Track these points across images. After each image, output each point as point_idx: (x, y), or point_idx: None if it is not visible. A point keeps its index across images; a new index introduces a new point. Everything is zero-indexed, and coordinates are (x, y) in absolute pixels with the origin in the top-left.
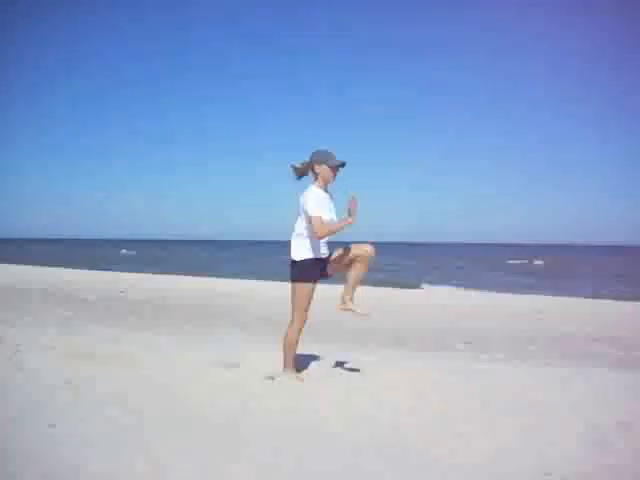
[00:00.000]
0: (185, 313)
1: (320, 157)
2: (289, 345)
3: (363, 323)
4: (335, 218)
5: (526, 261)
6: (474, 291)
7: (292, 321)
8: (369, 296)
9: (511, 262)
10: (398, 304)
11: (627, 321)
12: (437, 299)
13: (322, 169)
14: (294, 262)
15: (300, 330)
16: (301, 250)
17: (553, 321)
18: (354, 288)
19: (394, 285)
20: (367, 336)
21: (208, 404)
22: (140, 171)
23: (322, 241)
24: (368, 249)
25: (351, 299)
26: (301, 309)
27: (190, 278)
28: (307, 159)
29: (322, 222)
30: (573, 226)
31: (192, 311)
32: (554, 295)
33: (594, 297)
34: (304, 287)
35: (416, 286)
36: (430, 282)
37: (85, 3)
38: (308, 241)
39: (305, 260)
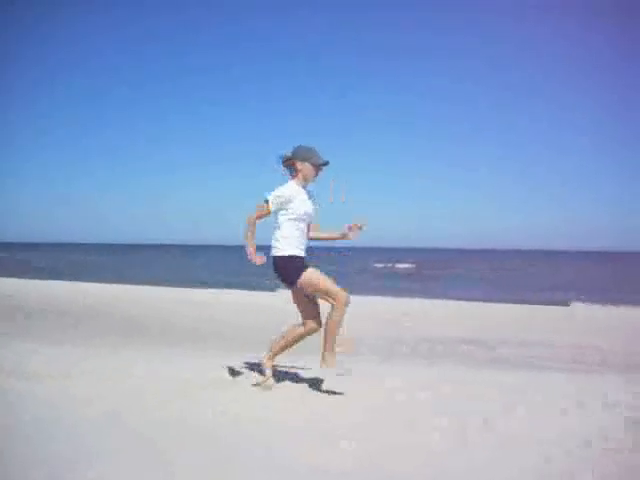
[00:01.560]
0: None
1: (304, 154)
2: (334, 326)
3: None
4: (311, 212)
5: (390, 264)
6: None
7: (333, 306)
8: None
9: (377, 265)
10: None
11: (492, 322)
12: None
13: (304, 167)
14: (278, 258)
15: (345, 309)
16: (283, 244)
17: (421, 323)
18: (334, 343)
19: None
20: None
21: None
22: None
23: (304, 240)
24: (344, 294)
25: (333, 355)
26: (330, 288)
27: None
28: (289, 153)
29: (262, 210)
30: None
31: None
32: (424, 298)
33: (460, 299)
34: (309, 275)
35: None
36: None
37: (85, 3)
38: (291, 238)
39: (290, 255)
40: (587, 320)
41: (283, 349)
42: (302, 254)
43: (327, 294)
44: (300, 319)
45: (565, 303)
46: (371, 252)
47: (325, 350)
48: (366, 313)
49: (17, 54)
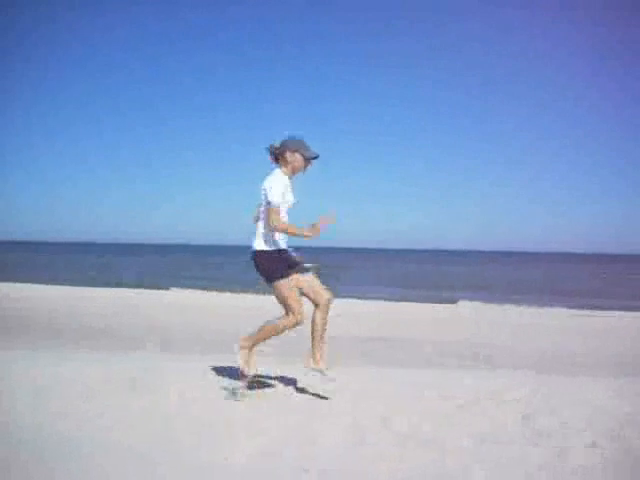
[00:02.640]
0: None
1: (295, 145)
2: (271, 330)
3: None
4: (289, 206)
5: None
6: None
7: (285, 315)
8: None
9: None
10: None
11: (389, 320)
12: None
13: (295, 158)
14: (260, 252)
15: (296, 326)
16: (267, 238)
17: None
18: (321, 343)
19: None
20: None
21: None
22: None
23: (283, 235)
24: (329, 296)
25: (321, 357)
26: (294, 304)
27: None
28: (277, 143)
29: (278, 214)
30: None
31: None
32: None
33: (364, 299)
34: (285, 284)
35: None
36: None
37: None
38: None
39: (272, 250)
40: (474, 317)
41: (261, 341)
42: (285, 247)
43: (288, 309)
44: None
45: (453, 301)
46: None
47: (314, 350)
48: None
49: (17, 54)
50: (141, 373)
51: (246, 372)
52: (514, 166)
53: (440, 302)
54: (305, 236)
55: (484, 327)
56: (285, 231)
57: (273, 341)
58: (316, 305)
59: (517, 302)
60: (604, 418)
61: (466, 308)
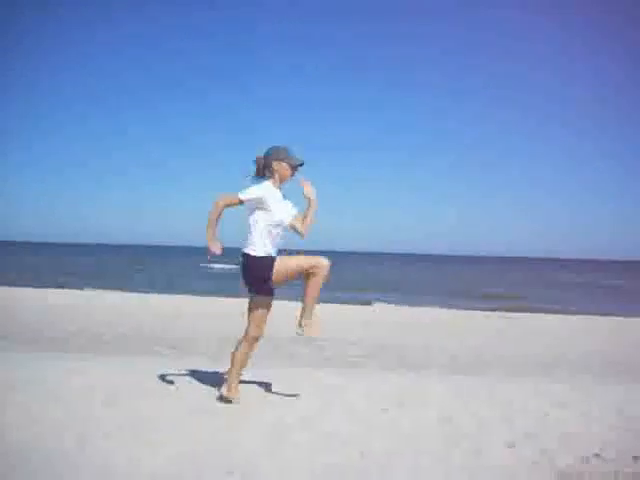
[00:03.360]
0: None
1: (280, 154)
2: (241, 359)
3: None
4: (294, 213)
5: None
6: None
7: (246, 332)
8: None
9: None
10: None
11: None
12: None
13: (281, 167)
14: (250, 257)
15: (256, 342)
16: (257, 245)
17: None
18: (312, 307)
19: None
20: None
21: None
22: None
23: (278, 240)
24: (325, 262)
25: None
26: (260, 320)
27: None
28: (261, 154)
29: (230, 199)
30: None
31: None
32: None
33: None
34: (265, 301)
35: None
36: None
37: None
38: (265, 238)
39: (263, 257)
40: (391, 319)
41: (239, 371)
42: (274, 254)
43: (251, 324)
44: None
45: (368, 302)
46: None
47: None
48: (204, 312)
49: (17, 53)
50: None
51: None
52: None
53: (356, 304)
54: (208, 240)
55: (400, 328)
56: (211, 209)
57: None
58: (312, 268)
59: (432, 303)
60: (522, 418)
61: (381, 309)
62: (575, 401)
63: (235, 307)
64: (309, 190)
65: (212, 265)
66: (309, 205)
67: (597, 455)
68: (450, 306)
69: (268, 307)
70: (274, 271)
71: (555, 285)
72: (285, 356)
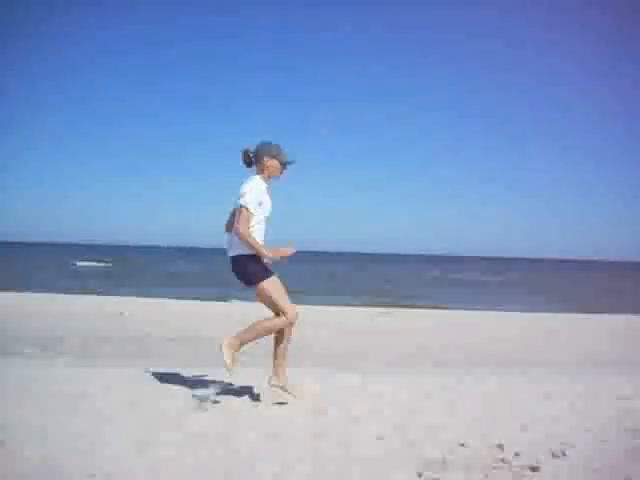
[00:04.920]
0: None
1: (271, 150)
2: (263, 328)
3: None
4: (268, 214)
5: (94, 262)
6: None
7: (277, 315)
8: None
9: (81, 264)
10: None
11: (181, 318)
12: None
13: (272, 163)
14: (240, 257)
15: (289, 325)
16: (242, 245)
17: (135, 321)
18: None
19: None
20: None
21: None
22: None
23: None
24: (293, 313)
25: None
26: (281, 303)
27: None
28: (251, 149)
29: (249, 219)
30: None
31: None
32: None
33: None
34: (269, 283)
35: None
36: None
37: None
38: (254, 233)
39: (251, 255)
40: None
41: (251, 340)
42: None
43: (277, 308)
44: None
45: (225, 299)
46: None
47: (277, 367)
48: (80, 312)
49: (18, 53)
50: None
51: (229, 370)
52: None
53: (214, 299)
54: (262, 254)
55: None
56: (246, 240)
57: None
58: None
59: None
60: (391, 410)
61: (238, 306)
62: (442, 393)
63: (98, 306)
64: (279, 252)
65: (78, 263)
66: (267, 251)
67: (462, 445)
68: (330, 302)
69: (277, 286)
70: (266, 287)
71: (456, 284)
72: (164, 353)
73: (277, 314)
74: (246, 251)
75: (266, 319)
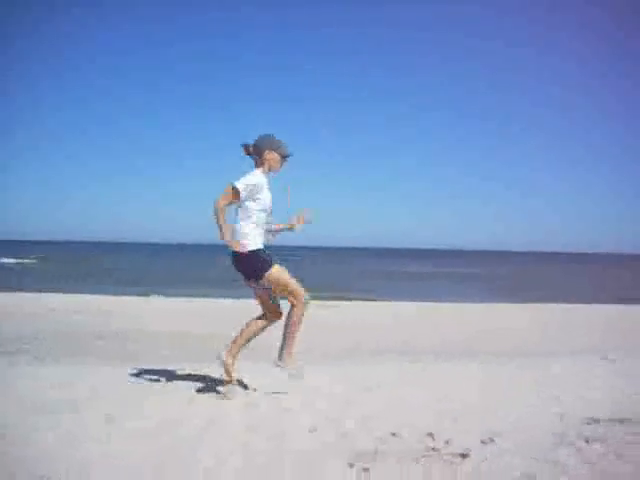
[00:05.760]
0: None
1: (272, 143)
2: (296, 326)
3: None
4: (268, 209)
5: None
6: None
7: (292, 305)
8: None
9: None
10: None
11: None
12: None
13: (273, 156)
14: (249, 253)
15: (306, 308)
16: (250, 237)
17: (64, 317)
18: (293, 343)
19: None
20: None
21: None
22: None
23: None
24: (303, 293)
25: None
26: (292, 286)
27: None
28: (251, 142)
29: (229, 197)
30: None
31: None
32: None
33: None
34: (276, 270)
35: None
36: None
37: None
38: (256, 227)
39: (259, 249)
40: (167, 307)
41: (245, 342)
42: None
43: (291, 294)
44: (261, 311)
45: (146, 294)
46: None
47: (284, 350)
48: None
49: (18, 53)
50: None
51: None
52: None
53: (135, 295)
54: (228, 243)
55: (186, 319)
56: (216, 213)
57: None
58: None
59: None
60: (325, 403)
61: (159, 301)
62: (378, 384)
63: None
64: (301, 225)
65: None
66: (228, 237)
67: (394, 434)
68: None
69: (284, 271)
70: (275, 276)
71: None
72: (94, 351)
73: (292, 300)
74: (252, 247)
75: (290, 319)
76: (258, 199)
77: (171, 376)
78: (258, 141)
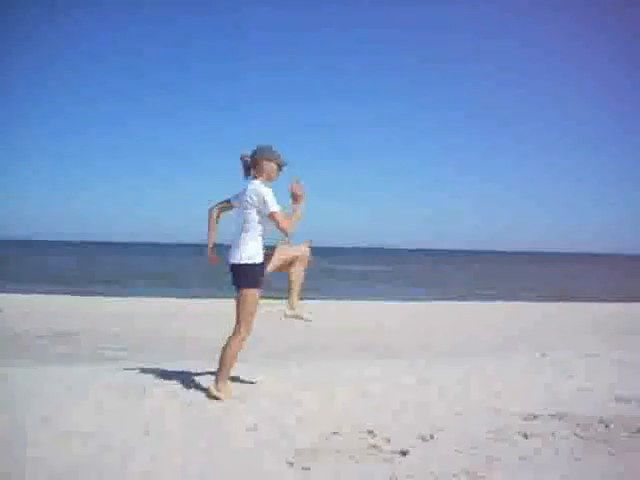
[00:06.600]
0: None
1: (270, 153)
2: (231, 357)
3: None
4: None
5: None
6: None
7: (237, 331)
8: None
9: None
10: None
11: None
12: None
13: (270, 166)
14: (244, 266)
15: (245, 340)
16: (252, 251)
17: (12, 319)
18: (299, 292)
19: None
20: None
21: None
22: None
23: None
24: (305, 249)
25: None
26: (251, 316)
27: None
28: (248, 152)
29: (283, 216)
30: None
31: None
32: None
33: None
34: (255, 293)
35: None
36: None
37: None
38: (260, 240)
39: (257, 264)
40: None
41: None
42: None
43: (244, 319)
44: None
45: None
46: None
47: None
48: None
49: (18, 53)
50: None
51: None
52: None
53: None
54: (297, 211)
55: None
56: (295, 225)
57: None
58: (296, 257)
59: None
60: (266, 402)
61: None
62: (320, 382)
63: None
64: (300, 187)
65: None
66: (296, 202)
67: (335, 433)
68: (214, 296)
69: (258, 300)
70: (272, 264)
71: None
72: (34, 351)
73: (237, 325)
74: (255, 260)
75: (225, 350)
76: (261, 210)
77: (110, 376)
78: (257, 152)
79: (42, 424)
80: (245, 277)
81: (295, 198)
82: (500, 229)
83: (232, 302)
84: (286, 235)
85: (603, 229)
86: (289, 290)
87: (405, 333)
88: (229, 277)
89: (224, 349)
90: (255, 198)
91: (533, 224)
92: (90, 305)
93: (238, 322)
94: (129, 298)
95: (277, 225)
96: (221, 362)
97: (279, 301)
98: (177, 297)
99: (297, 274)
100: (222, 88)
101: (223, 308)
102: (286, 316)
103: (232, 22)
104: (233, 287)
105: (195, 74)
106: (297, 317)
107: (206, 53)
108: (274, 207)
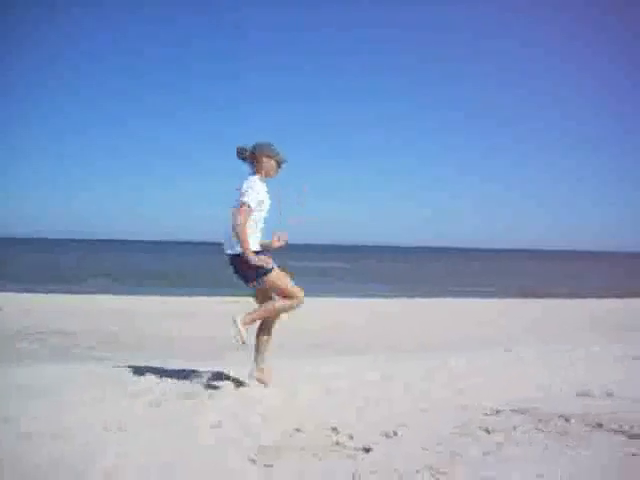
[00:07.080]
0: None
1: (269, 150)
2: (271, 309)
3: None
4: (266, 213)
5: None
6: None
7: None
8: None
9: None
10: None
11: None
12: None
13: (270, 163)
14: (238, 257)
15: (294, 308)
16: (253, 241)
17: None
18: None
19: None
20: None
21: None
22: None
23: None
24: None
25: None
26: (291, 289)
27: None
28: (248, 147)
29: (248, 215)
30: None
31: None
32: None
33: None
34: (273, 274)
35: None
36: None
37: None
38: (257, 232)
39: (257, 252)
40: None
41: (261, 318)
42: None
43: (288, 295)
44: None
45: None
46: None
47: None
48: None
49: (18, 53)
50: None
51: (244, 339)
52: None
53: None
54: (248, 257)
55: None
56: (242, 237)
57: None
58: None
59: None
60: (229, 398)
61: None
62: (283, 379)
63: None
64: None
65: None
66: (271, 244)
67: (298, 430)
68: (178, 294)
69: (283, 275)
70: (273, 278)
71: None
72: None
73: (287, 299)
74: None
75: (275, 301)
76: (260, 204)
77: (75, 375)
78: (256, 148)
79: (3, 424)
80: (248, 267)
81: (273, 244)
82: (500, 228)
83: (231, 300)
84: (234, 229)
85: (603, 228)
86: (258, 351)
87: (366, 330)
88: (228, 276)
89: (272, 302)
90: (244, 187)
91: (533, 224)
92: (89, 303)
93: (285, 298)
94: (129, 297)
95: (233, 213)
96: (260, 307)
97: (237, 298)
98: (177, 296)
99: (278, 307)
100: (222, 88)
101: (223, 308)
102: (254, 378)
103: (232, 22)
104: (237, 284)
105: (195, 74)
106: (260, 381)
107: (206, 53)
108: (245, 199)
